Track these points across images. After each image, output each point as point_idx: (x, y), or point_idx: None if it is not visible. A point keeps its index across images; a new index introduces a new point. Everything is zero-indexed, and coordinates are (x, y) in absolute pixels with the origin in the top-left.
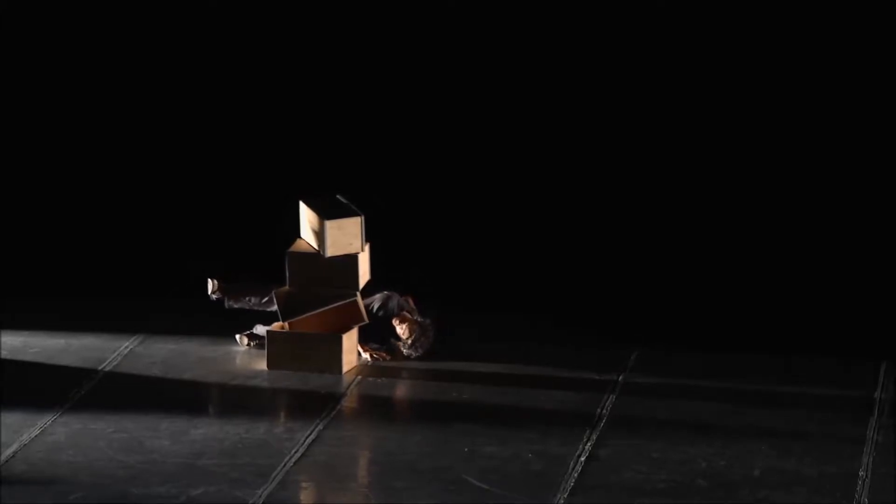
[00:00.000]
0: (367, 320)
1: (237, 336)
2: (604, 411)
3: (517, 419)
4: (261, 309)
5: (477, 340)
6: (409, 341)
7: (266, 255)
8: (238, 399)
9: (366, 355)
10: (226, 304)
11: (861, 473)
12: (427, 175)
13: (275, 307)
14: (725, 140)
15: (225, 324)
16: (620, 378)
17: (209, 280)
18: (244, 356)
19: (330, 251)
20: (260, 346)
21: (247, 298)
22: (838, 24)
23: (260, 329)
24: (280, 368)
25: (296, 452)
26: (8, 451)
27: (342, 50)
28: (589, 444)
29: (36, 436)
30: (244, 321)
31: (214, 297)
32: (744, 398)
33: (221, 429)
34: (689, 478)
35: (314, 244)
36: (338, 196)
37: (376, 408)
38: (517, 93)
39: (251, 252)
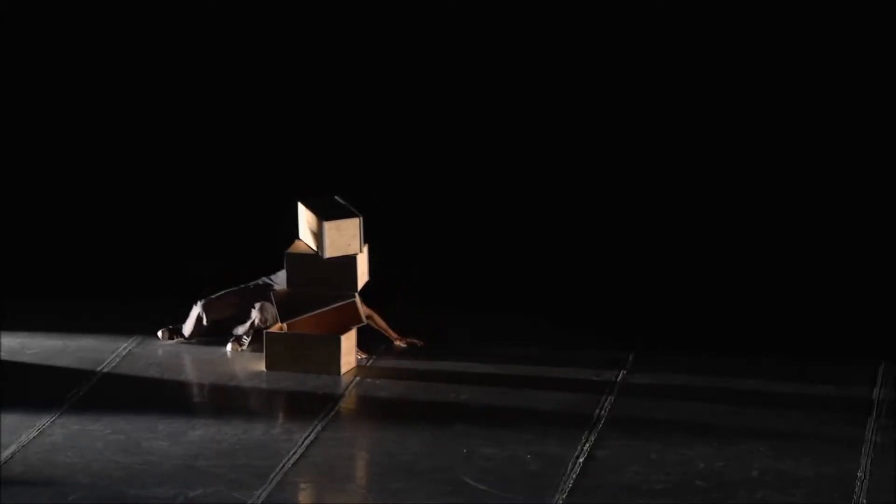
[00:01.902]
0: (365, 321)
1: (227, 346)
2: (602, 412)
3: (515, 420)
4: (211, 324)
5: (475, 341)
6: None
7: (265, 256)
8: (236, 400)
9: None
10: (189, 339)
11: (859, 474)
12: (426, 175)
13: (198, 320)
14: (725, 141)
15: None
16: (618, 378)
17: (159, 332)
18: (242, 357)
19: (328, 252)
20: (257, 349)
21: (195, 328)
22: (838, 24)
23: (239, 329)
24: (278, 369)
25: (294, 454)
26: (6, 453)
27: (341, 50)
28: (587, 444)
29: (34, 437)
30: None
31: (174, 340)
32: (742, 398)
33: (219, 430)
34: (687, 478)
35: (313, 245)
36: (336, 197)
37: (374, 409)
38: (516, 93)
39: (250, 253)
